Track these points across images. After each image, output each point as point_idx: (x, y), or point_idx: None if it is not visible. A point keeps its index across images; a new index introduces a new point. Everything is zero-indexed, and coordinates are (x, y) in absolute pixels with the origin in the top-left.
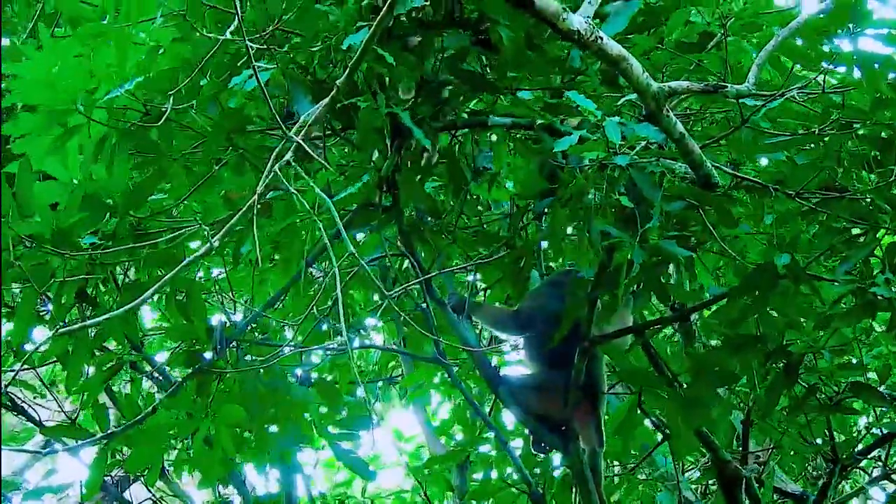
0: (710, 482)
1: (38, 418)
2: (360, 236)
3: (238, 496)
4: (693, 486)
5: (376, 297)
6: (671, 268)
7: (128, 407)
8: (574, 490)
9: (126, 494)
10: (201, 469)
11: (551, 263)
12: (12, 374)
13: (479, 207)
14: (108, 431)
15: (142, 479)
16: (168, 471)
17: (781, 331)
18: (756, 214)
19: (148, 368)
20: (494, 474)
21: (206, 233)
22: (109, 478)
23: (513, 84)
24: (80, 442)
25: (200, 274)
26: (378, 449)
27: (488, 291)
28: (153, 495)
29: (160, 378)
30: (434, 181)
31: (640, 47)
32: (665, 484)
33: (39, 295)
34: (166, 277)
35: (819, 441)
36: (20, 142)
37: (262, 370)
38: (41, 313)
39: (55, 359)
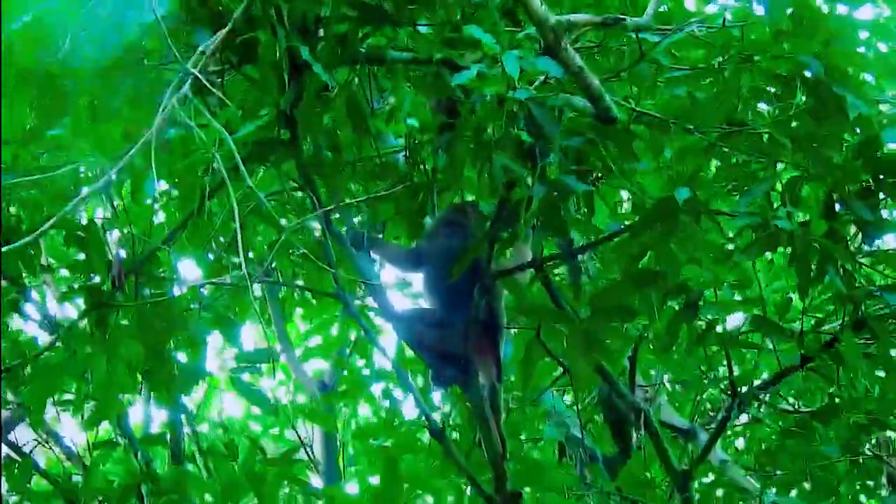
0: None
1: None
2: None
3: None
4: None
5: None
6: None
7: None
8: (474, 426)
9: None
10: (99, 406)
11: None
12: None
13: (378, 142)
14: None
15: (27, 421)
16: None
17: (681, 266)
18: (656, 149)
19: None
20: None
21: (103, 168)
22: None
23: (412, 18)
24: None
25: (100, 213)
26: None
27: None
28: (39, 437)
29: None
30: (333, 115)
31: None
32: (553, 419)
33: None
34: (64, 210)
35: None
36: None
37: (160, 305)
38: None
39: None
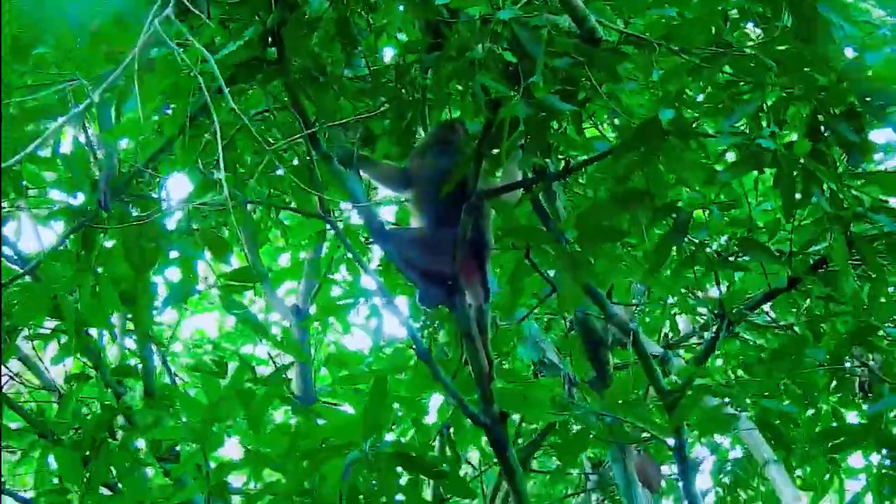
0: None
1: None
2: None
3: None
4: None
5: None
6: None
7: None
8: (461, 345)
9: None
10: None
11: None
12: None
13: (366, 59)
14: None
15: None
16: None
17: (669, 187)
18: (643, 71)
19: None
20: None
21: (87, 87)
22: None
23: None
24: None
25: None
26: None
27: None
28: (10, 371)
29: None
30: (321, 34)
31: None
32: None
33: None
34: (51, 129)
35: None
36: None
37: (147, 225)
38: None
39: None
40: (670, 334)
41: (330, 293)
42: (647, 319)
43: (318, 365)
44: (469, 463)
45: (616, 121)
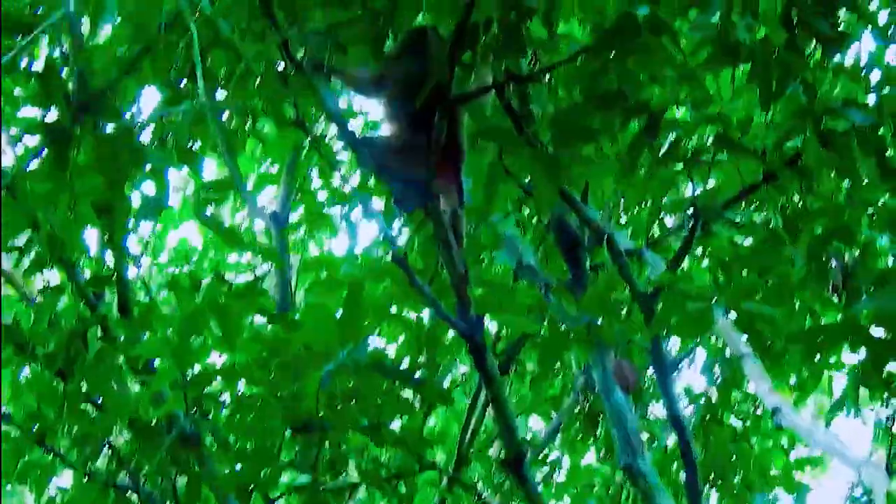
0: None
1: None
2: None
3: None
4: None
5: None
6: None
7: None
8: (437, 251)
9: None
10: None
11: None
12: None
13: None
14: None
15: None
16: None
17: (642, 85)
18: None
19: None
20: None
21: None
22: None
23: None
24: None
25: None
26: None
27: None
28: None
29: None
30: None
31: None
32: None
33: None
34: (23, 44)
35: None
36: None
37: (120, 138)
38: None
39: None
40: (656, 232)
41: (315, 199)
42: (623, 221)
43: (299, 274)
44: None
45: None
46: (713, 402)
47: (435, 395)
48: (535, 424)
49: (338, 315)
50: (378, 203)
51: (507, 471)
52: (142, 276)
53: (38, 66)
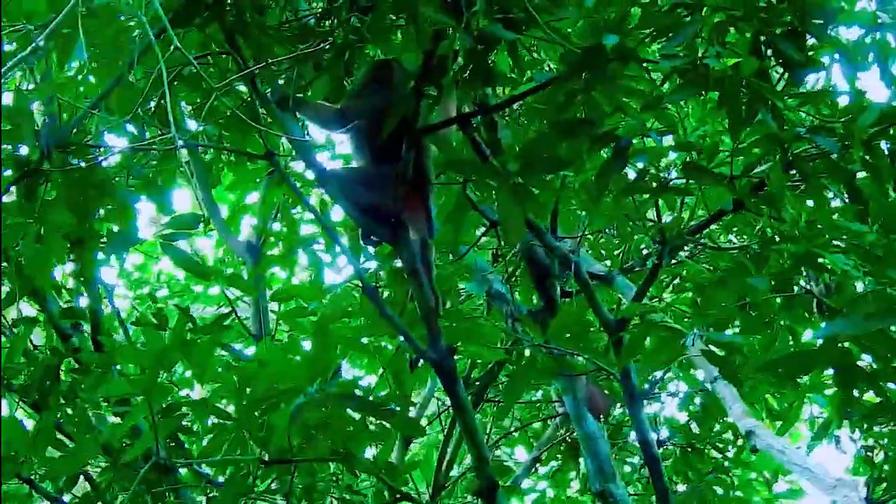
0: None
1: None
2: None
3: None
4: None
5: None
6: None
7: None
8: (406, 282)
9: None
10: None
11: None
12: None
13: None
14: None
15: None
16: None
17: (608, 114)
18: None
19: None
20: None
21: (32, 33)
22: None
23: None
24: None
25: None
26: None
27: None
28: None
29: None
30: None
31: None
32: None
33: None
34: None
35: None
36: None
37: (88, 173)
38: None
39: None
40: (630, 259)
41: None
42: (594, 248)
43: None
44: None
45: (553, 52)
46: (693, 432)
47: (404, 425)
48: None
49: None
50: (346, 235)
51: (482, 500)
52: (122, 308)
53: (7, 100)
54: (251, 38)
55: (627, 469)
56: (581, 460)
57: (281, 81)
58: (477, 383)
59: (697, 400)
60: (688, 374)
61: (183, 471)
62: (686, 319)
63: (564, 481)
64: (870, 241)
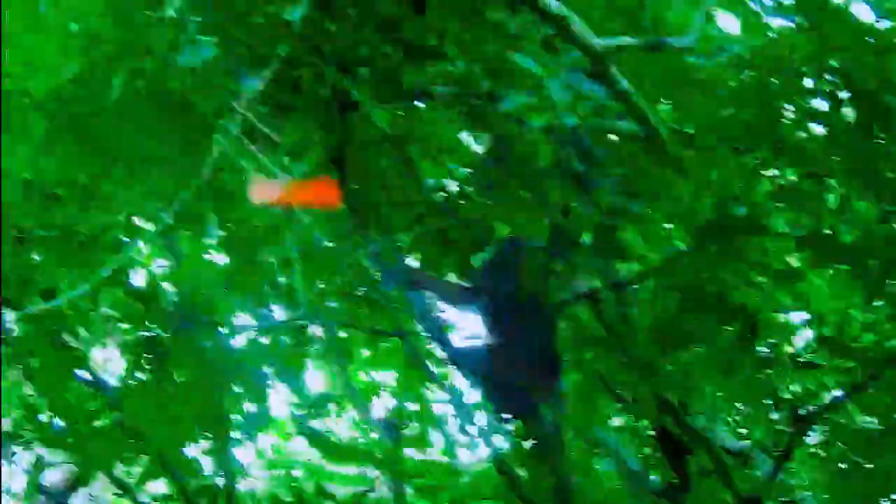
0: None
1: None
2: None
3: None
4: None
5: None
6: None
7: (64, 410)
8: (541, 460)
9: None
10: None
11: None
12: None
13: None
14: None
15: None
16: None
17: (737, 289)
18: (703, 172)
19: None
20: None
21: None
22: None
23: (456, 53)
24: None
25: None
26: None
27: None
28: (91, 497)
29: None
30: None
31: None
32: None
33: None
34: (121, 258)
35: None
36: None
37: (219, 354)
38: None
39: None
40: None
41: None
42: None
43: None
44: None
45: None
46: None
47: None
48: None
49: None
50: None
51: None
52: (257, 488)
53: (139, 281)
54: (377, 216)
55: None
56: None
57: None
58: None
59: None
60: None
61: None
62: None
63: None
64: None
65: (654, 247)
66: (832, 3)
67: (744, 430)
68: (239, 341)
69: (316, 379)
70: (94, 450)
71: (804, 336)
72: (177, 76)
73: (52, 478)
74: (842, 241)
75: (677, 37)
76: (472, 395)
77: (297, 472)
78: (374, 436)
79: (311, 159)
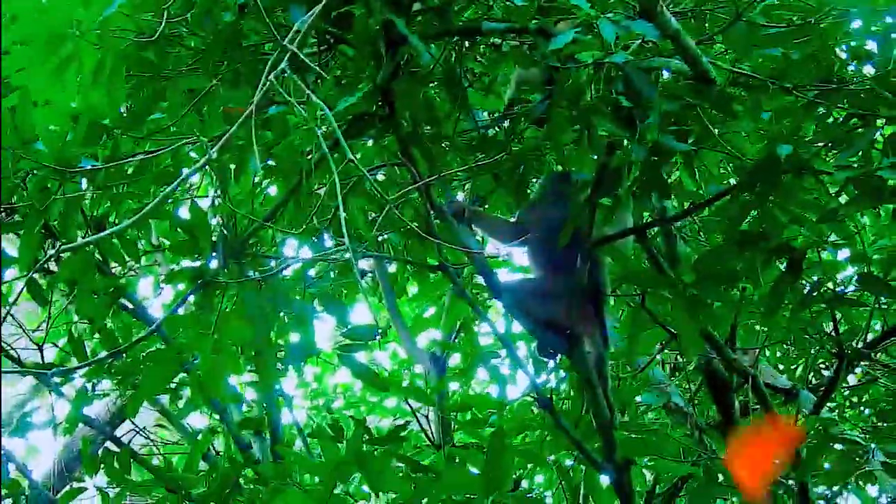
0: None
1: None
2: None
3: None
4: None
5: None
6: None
7: (107, 339)
8: (582, 395)
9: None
10: (209, 388)
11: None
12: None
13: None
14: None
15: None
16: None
17: (784, 226)
18: (754, 111)
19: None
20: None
21: (204, 145)
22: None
23: None
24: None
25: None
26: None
27: (489, 200)
28: (135, 426)
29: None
30: (430, 90)
31: None
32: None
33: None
34: (167, 190)
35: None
36: (18, 74)
37: (265, 285)
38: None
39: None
40: (810, 373)
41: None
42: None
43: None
44: None
45: (728, 164)
46: None
47: None
48: None
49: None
50: (523, 349)
51: None
52: (300, 418)
53: (185, 213)
54: (426, 149)
55: None
56: None
57: (457, 194)
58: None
59: None
60: (863, 491)
61: None
62: (866, 435)
63: None
64: None
65: (702, 184)
66: None
67: (785, 369)
68: (286, 272)
69: (362, 311)
70: (139, 379)
71: (848, 274)
72: (228, 9)
73: (97, 408)
74: (888, 181)
75: None
76: (517, 330)
77: (339, 403)
78: (419, 368)
79: (359, 93)
